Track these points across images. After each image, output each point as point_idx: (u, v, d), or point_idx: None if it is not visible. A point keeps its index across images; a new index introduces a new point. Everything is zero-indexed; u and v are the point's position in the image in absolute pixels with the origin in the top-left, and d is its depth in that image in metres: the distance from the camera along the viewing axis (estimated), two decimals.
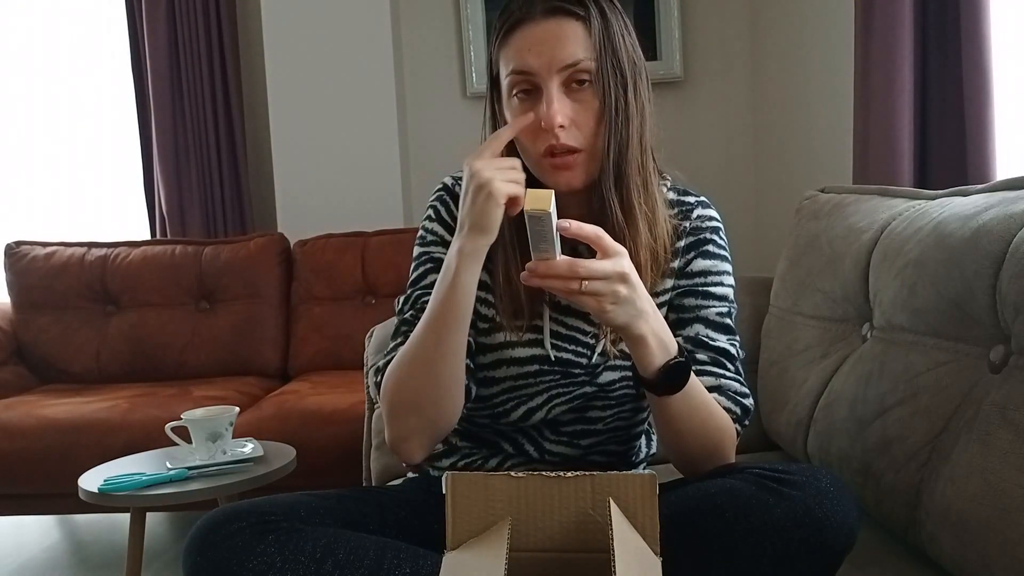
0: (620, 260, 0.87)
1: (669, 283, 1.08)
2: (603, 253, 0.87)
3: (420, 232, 1.14)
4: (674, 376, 0.94)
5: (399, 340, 1.06)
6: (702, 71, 2.96)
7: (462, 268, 0.93)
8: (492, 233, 0.92)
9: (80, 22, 3.09)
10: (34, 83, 3.13)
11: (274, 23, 2.88)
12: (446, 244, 1.10)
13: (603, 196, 1.00)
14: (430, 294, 1.05)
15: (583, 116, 0.98)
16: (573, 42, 0.96)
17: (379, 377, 1.04)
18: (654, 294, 1.03)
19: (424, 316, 0.98)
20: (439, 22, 2.99)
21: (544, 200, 0.82)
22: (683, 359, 0.95)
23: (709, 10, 2.93)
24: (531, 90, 0.98)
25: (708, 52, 2.95)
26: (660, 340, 0.93)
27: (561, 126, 0.96)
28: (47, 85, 3.12)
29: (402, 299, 1.12)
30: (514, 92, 0.99)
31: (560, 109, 0.96)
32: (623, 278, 0.87)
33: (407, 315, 1.08)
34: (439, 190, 1.14)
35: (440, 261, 1.09)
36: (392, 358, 1.03)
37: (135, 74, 3.04)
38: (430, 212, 1.13)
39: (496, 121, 1.05)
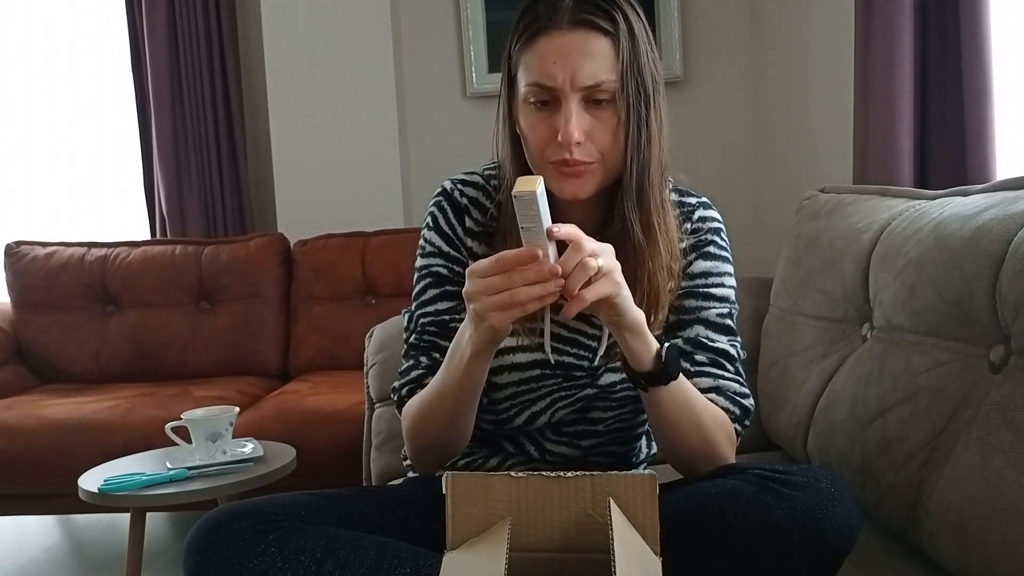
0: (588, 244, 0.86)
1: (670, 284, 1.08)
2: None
3: (420, 241, 1.13)
4: (669, 360, 0.95)
5: (410, 363, 1.09)
6: (702, 71, 2.96)
7: (474, 363, 0.94)
8: (503, 338, 0.92)
9: (80, 22, 3.09)
10: (34, 83, 3.13)
11: (274, 23, 2.88)
12: (444, 255, 1.10)
13: (625, 216, 1.00)
14: (430, 315, 1.09)
15: (599, 132, 0.97)
16: (598, 60, 0.95)
17: (395, 396, 1.10)
18: None
19: (437, 381, 1.00)
20: (439, 22, 2.99)
21: (531, 183, 0.82)
22: (669, 344, 0.97)
23: (709, 10, 2.93)
24: (549, 100, 0.97)
25: (708, 52, 2.95)
26: (647, 334, 0.95)
27: (578, 142, 0.96)
28: (47, 85, 3.12)
29: (406, 315, 1.12)
30: (531, 100, 0.98)
31: (578, 125, 0.95)
32: (593, 253, 0.85)
33: (411, 339, 1.11)
34: (438, 195, 1.13)
35: (439, 275, 1.09)
36: (409, 384, 1.08)
37: (135, 74, 3.03)
38: (428, 220, 1.13)
39: (510, 118, 1.04)
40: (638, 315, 0.93)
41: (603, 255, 0.86)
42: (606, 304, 0.88)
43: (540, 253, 0.83)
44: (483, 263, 0.86)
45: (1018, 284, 0.94)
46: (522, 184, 0.82)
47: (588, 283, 0.84)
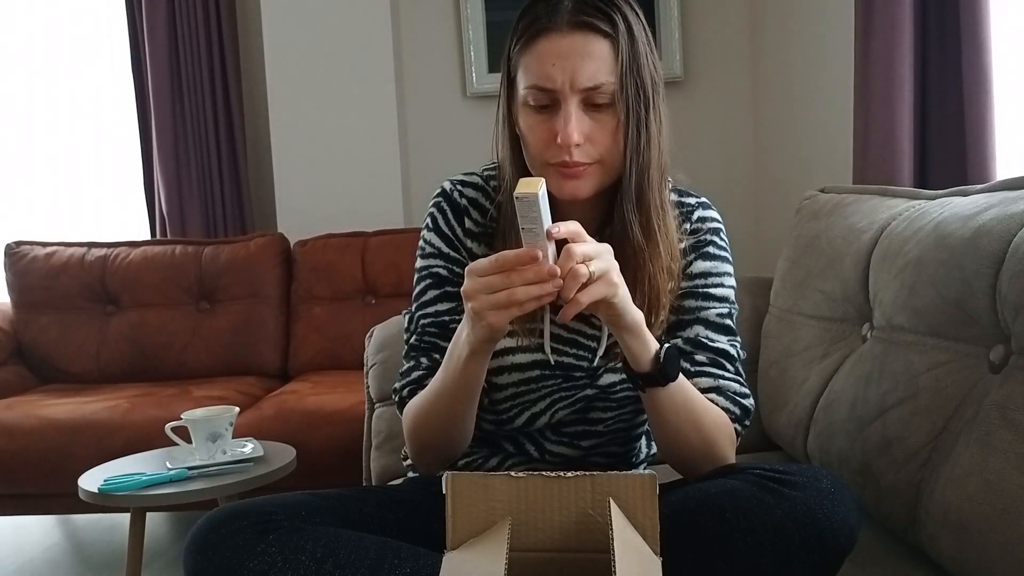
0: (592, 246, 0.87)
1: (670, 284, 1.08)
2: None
3: (420, 242, 1.13)
4: (667, 361, 0.95)
5: (410, 364, 1.10)
6: (702, 71, 2.96)
7: (471, 362, 0.94)
8: (500, 337, 0.93)
9: (80, 22, 3.09)
10: (34, 83, 3.13)
11: (274, 23, 2.88)
12: (444, 256, 1.10)
13: (624, 218, 1.00)
14: (430, 316, 1.09)
15: (599, 133, 0.97)
16: (597, 62, 0.95)
17: (396, 397, 1.10)
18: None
19: (437, 381, 1.01)
20: (439, 22, 2.99)
21: (533, 184, 0.82)
22: (668, 344, 0.97)
23: (709, 10, 2.93)
24: (548, 103, 0.97)
25: (708, 52, 2.95)
26: (646, 335, 0.95)
27: (577, 144, 0.96)
28: (47, 85, 3.12)
29: (407, 316, 1.12)
30: (531, 102, 0.98)
31: (577, 127, 0.95)
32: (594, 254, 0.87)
33: (412, 340, 1.11)
34: (437, 196, 1.13)
35: (439, 276, 1.09)
36: (409, 385, 1.08)
37: (135, 74, 3.03)
38: (428, 221, 1.13)
39: (509, 119, 1.03)
40: (637, 315, 0.93)
41: (599, 256, 0.86)
42: (604, 305, 0.88)
43: (540, 254, 0.84)
44: (482, 262, 0.86)
45: (1018, 284, 0.94)
46: (524, 185, 0.83)
47: (584, 286, 0.85)
